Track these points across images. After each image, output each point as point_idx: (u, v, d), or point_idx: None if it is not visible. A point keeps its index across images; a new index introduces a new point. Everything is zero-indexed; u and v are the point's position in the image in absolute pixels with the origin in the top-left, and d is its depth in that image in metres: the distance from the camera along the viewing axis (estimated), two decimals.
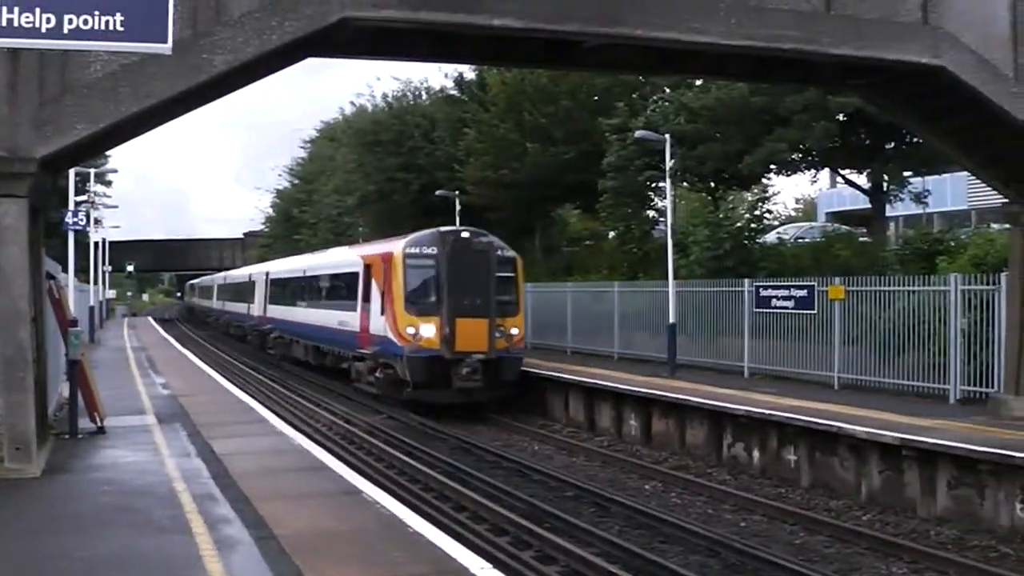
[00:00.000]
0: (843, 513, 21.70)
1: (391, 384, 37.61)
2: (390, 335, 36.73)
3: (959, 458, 20.41)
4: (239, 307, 79.56)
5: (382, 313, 37.67)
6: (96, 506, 16.31)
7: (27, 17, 13.97)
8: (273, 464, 20.06)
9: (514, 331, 36.80)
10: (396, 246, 37.99)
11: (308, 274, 54.61)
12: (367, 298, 40.09)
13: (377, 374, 38.62)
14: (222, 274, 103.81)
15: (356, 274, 42.05)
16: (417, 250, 36.88)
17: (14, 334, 18.46)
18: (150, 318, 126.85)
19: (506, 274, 37.37)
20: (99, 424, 23.97)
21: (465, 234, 37.65)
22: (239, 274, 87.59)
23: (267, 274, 67.42)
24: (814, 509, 22.04)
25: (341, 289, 45.47)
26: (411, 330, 35.73)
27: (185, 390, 33.88)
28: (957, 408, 25.99)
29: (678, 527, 19.85)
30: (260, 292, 67.76)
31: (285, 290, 60.58)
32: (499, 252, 37.53)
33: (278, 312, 61.04)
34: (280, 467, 19.74)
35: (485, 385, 35.46)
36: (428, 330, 35.63)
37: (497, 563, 15.18)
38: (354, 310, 41.51)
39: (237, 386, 37.99)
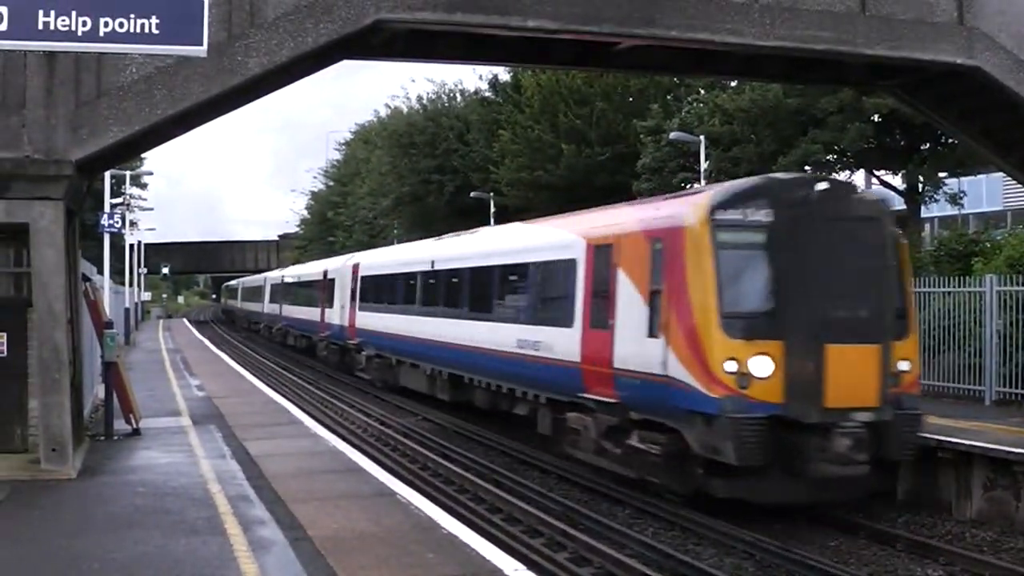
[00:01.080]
0: (878, 515, 21.57)
1: (671, 463, 20.78)
2: (682, 375, 19.72)
3: (995, 460, 20.24)
4: (305, 312, 62.46)
5: (652, 333, 20.69)
6: (131, 507, 16.39)
7: (63, 20, 14.06)
8: (308, 466, 20.12)
9: (904, 366, 20.10)
10: (689, 207, 20.80)
11: (440, 267, 36.02)
12: (603, 305, 22.78)
13: (634, 442, 21.68)
14: (277, 271, 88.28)
15: (569, 264, 24.83)
16: (738, 215, 20.00)
17: (50, 336, 18.58)
18: (185, 320, 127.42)
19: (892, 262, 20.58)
20: (134, 426, 24.09)
21: (823, 185, 20.45)
22: (306, 271, 68.39)
23: (355, 267, 49.28)
24: (849, 511, 21.90)
25: (526, 289, 28.26)
26: (732, 366, 19.07)
27: (219, 392, 34.02)
28: (993, 409, 25.82)
29: (713, 529, 19.77)
30: (343, 293, 50.60)
31: (392, 291, 42.34)
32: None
33: (376, 321, 43.34)
34: (315, 469, 19.80)
35: (872, 468, 19.62)
36: (763, 366, 19.10)
37: (531, 564, 15.16)
38: (566, 324, 24.44)
39: (271, 387, 38.11)
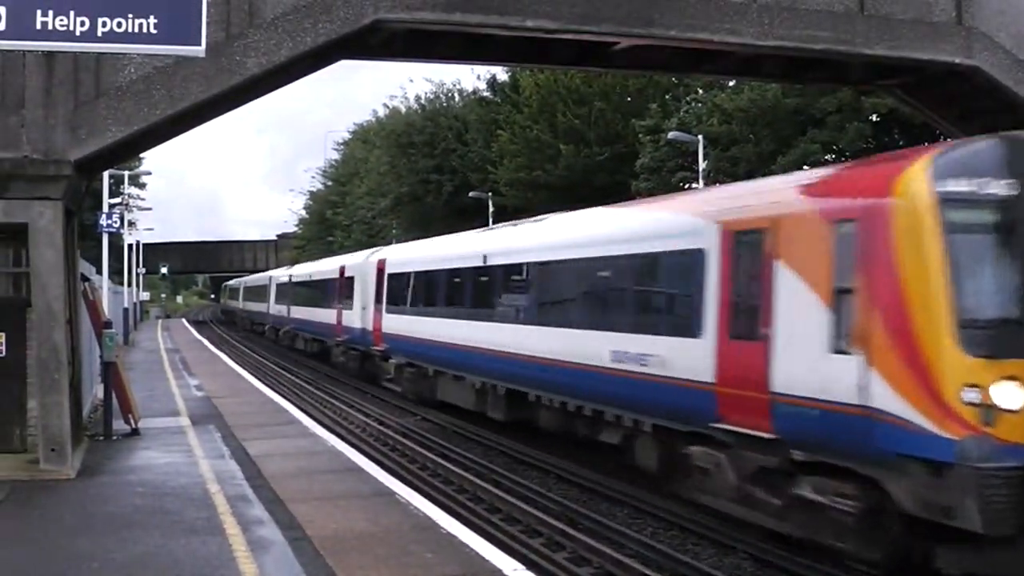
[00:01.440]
0: None
1: (866, 524, 15.19)
2: (893, 407, 14.22)
3: None
4: (318, 314, 56.81)
5: (839, 347, 15.19)
6: (130, 507, 16.38)
7: (61, 20, 14.02)
8: (307, 466, 20.11)
9: None
10: (897, 176, 14.94)
11: (496, 262, 29.52)
12: (750, 309, 17.33)
13: (806, 493, 16.28)
14: (282, 269, 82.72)
15: (694, 255, 18.92)
16: (971, 187, 14.38)
17: (49, 336, 18.57)
18: (184, 320, 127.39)
19: None
20: (133, 426, 24.07)
21: None
22: (319, 268, 62.14)
23: (381, 264, 43.01)
24: None
25: (626, 289, 22.14)
26: (973, 395, 13.60)
27: (218, 391, 34.01)
28: None
29: (712, 528, 19.74)
30: (365, 293, 45.08)
31: (429, 290, 36.20)
32: None
33: (409, 325, 37.26)
34: (314, 469, 19.79)
35: None
36: (1014, 395, 13.65)
37: (531, 564, 15.14)
38: (690, 333, 18.81)
39: (270, 387, 38.08)
